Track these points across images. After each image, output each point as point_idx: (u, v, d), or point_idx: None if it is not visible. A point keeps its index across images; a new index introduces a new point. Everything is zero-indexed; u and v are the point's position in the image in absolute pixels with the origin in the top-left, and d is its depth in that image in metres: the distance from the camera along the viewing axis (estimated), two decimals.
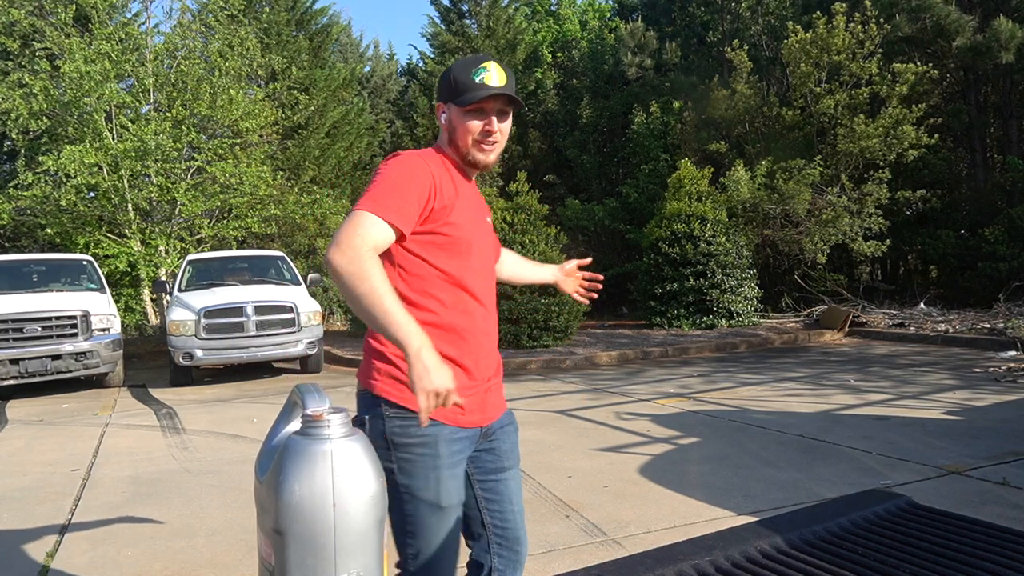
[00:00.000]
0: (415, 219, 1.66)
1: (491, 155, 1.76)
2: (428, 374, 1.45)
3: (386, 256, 1.71)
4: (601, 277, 2.33)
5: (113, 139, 12.77)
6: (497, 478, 1.82)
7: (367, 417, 1.69)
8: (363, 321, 1.56)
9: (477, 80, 1.70)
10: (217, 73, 13.64)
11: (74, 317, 8.21)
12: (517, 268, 2.26)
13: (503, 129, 1.76)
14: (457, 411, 1.69)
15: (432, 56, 22.10)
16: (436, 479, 1.67)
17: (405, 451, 1.66)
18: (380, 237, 1.59)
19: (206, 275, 9.69)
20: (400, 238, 1.66)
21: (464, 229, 1.72)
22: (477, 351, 1.76)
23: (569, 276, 2.31)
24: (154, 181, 13.15)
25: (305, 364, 9.16)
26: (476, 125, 1.72)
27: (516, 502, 1.86)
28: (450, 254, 1.71)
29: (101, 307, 8.55)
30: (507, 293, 9.59)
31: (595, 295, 2.33)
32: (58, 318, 8.15)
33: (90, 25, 13.20)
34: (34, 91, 12.32)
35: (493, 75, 1.71)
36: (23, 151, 14.09)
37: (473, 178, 1.85)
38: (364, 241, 1.54)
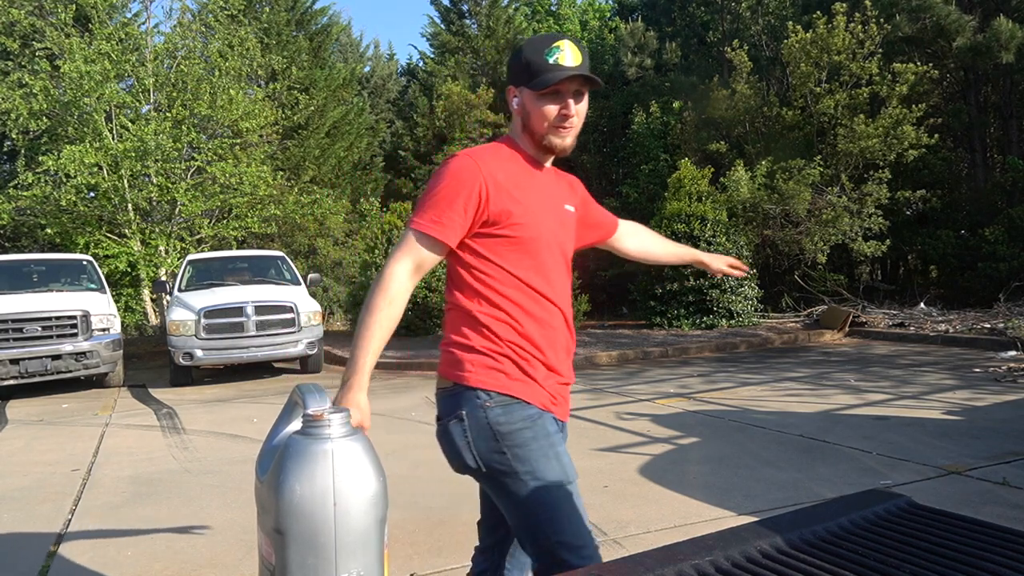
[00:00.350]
0: (463, 228, 1.63)
1: (568, 138, 1.68)
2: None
3: (456, 259, 1.69)
4: (747, 269, 2.23)
5: (113, 139, 12.78)
6: None
7: (465, 412, 1.61)
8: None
9: (551, 61, 1.61)
10: (217, 73, 13.65)
11: (74, 317, 8.21)
12: (649, 244, 2.15)
13: (580, 111, 1.67)
14: (549, 399, 1.68)
15: (432, 56, 22.10)
16: (555, 455, 1.61)
17: (515, 437, 1.59)
18: (426, 256, 1.63)
19: (206, 275, 9.70)
20: (451, 246, 1.65)
21: (529, 228, 1.66)
22: (557, 352, 1.71)
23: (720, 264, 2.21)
24: (154, 181, 13.16)
25: (305, 364, 9.16)
26: (552, 109, 1.63)
27: None
28: (518, 254, 1.66)
29: (101, 307, 8.56)
30: None
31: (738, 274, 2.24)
32: (58, 318, 8.15)
33: (90, 25, 13.21)
34: (34, 91, 12.33)
35: (568, 55, 1.61)
36: (23, 151, 14.10)
37: (547, 164, 1.77)
38: (401, 267, 1.61)
